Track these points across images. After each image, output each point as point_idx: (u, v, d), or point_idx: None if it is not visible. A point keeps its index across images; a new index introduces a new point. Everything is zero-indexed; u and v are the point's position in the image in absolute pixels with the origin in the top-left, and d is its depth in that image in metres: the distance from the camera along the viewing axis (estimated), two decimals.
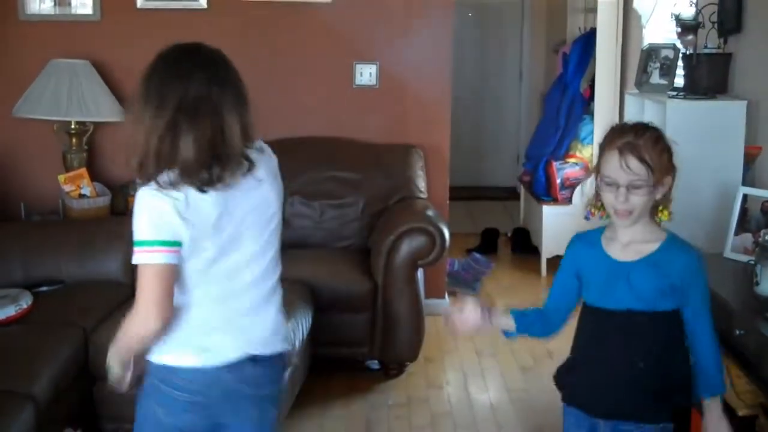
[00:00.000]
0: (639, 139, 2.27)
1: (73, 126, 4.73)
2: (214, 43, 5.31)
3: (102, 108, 4.69)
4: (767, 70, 3.67)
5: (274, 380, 2.30)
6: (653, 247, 2.32)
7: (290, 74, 5.12)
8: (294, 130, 5.06)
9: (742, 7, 3.86)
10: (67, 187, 4.60)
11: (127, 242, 4.07)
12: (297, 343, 3.66)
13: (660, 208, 2.34)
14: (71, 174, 4.65)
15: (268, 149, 2.37)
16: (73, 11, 5.00)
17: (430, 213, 4.35)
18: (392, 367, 4.38)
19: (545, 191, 6.22)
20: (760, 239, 2.85)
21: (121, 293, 3.96)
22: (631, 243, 2.34)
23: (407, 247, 4.16)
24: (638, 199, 2.26)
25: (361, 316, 4.23)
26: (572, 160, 6.22)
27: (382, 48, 5.10)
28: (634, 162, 2.24)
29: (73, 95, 4.60)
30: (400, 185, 4.81)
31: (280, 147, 5.07)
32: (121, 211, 4.74)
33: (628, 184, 2.25)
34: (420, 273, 4.33)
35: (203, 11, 5.03)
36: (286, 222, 4.61)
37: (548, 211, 6.10)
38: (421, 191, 4.81)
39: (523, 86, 8.93)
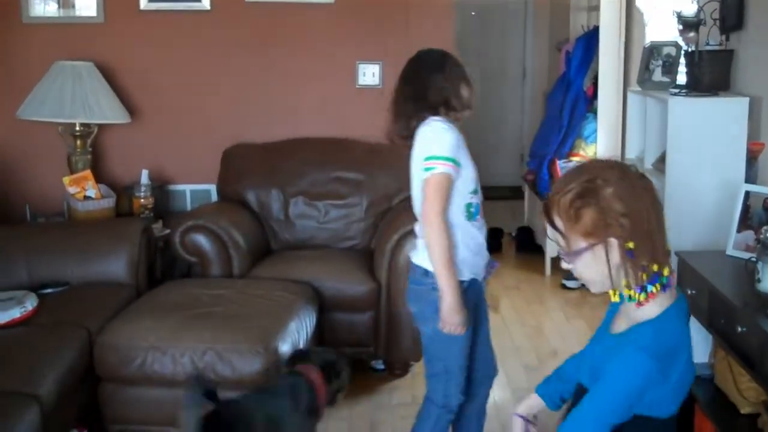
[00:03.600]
0: (555, 196, 1.86)
1: (77, 128, 4.75)
2: (217, 44, 5.39)
3: (106, 110, 4.71)
4: None
5: (410, 280, 3.05)
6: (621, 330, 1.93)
7: (293, 75, 5.14)
8: (297, 130, 5.08)
9: (744, 4, 3.85)
10: (71, 189, 4.61)
11: (131, 244, 4.13)
12: (301, 343, 3.68)
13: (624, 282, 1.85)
14: (76, 176, 4.67)
15: (425, 125, 2.94)
16: (77, 13, 5.03)
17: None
18: (397, 367, 4.38)
19: (549, 190, 6.21)
20: (761, 236, 2.84)
21: (125, 294, 3.98)
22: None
23: (411, 246, 4.16)
24: (575, 268, 1.89)
25: (365, 316, 4.24)
26: (576, 158, 6.21)
27: (385, 48, 5.11)
28: (548, 227, 1.89)
29: (77, 97, 4.61)
30: (403, 185, 4.76)
31: (283, 148, 5.16)
32: (125, 212, 4.76)
33: (558, 250, 1.91)
34: None
35: (206, 13, 5.05)
36: (290, 222, 4.64)
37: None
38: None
39: (526, 85, 8.94)
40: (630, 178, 1.85)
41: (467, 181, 2.92)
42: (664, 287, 1.85)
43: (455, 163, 2.85)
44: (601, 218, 1.79)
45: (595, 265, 1.84)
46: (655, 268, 1.82)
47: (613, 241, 1.80)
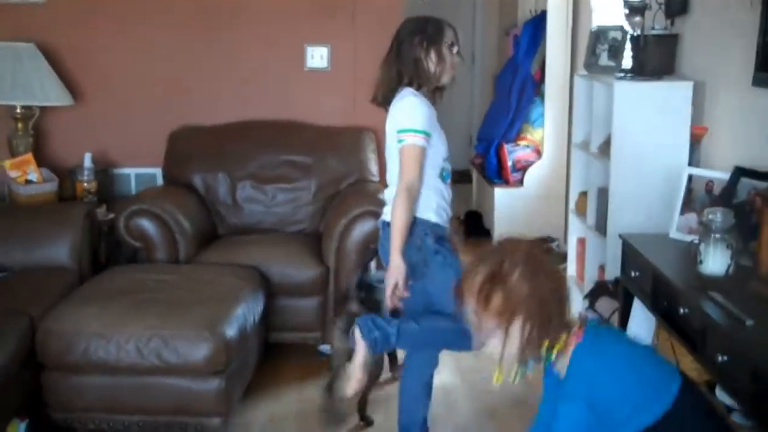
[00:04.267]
0: (467, 277, 2.02)
1: (18, 110, 4.65)
2: (162, 26, 5.29)
3: (48, 92, 4.62)
4: (713, 50, 3.72)
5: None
6: None
7: (240, 56, 5.08)
8: (245, 113, 5.03)
9: None
10: (13, 173, 4.52)
11: (74, 228, 4.05)
12: (248, 328, 3.65)
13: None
14: (17, 159, 4.57)
15: (398, 98, 3.10)
16: None
17: (382, 196, 4.35)
18: None
19: (497, 174, 6.26)
20: (703, 219, 2.88)
21: (68, 280, 3.91)
22: None
23: (359, 230, 4.16)
24: (487, 346, 2.01)
25: (313, 301, 4.22)
26: (523, 142, 6.25)
27: (333, 31, 5.08)
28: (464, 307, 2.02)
29: (17, 79, 4.52)
30: (352, 169, 4.80)
31: (231, 130, 5.10)
32: (68, 196, 4.68)
33: (470, 327, 2.03)
34: None
35: None
36: (237, 206, 4.59)
37: (500, 193, 6.14)
38: (373, 175, 4.81)
39: (475, 69, 8.95)
40: (535, 257, 2.01)
41: (439, 149, 3.11)
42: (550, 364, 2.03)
43: (426, 134, 3.02)
44: (508, 301, 1.93)
45: (503, 343, 1.97)
46: (545, 345, 1.99)
47: (519, 322, 1.94)
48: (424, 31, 3.10)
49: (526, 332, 1.94)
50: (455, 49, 3.14)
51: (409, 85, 3.10)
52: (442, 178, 3.15)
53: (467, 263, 2.02)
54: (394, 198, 3.05)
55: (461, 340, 3.14)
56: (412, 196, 3.03)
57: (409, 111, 3.04)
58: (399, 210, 3.02)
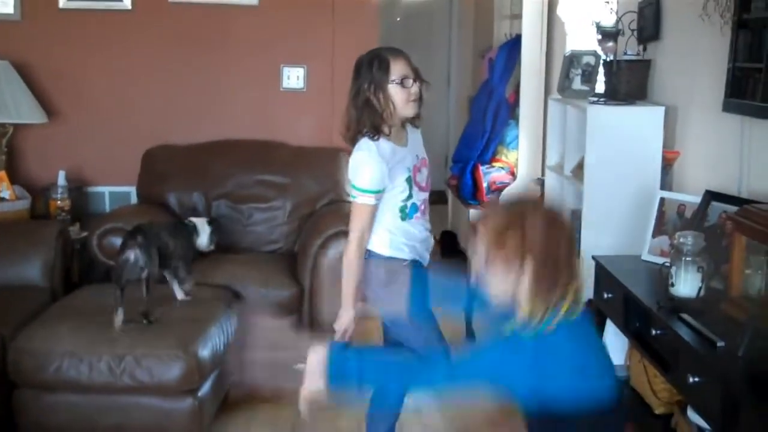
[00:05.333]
0: (485, 218, 2.03)
1: None
2: (139, 45, 5.29)
3: (22, 109, 4.61)
4: (685, 76, 3.77)
5: None
6: None
7: (217, 77, 5.09)
8: (220, 132, 5.03)
9: (661, 16, 3.95)
10: None
11: (47, 247, 4.03)
12: (222, 347, 3.64)
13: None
14: None
15: (355, 149, 3.07)
16: None
17: None
18: None
19: (472, 195, 6.28)
20: (675, 241, 2.92)
21: (41, 298, 3.89)
22: None
23: (334, 250, 4.16)
24: (490, 284, 2.00)
25: (288, 320, 4.21)
26: (498, 164, 6.29)
27: (310, 51, 5.11)
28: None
29: None
30: (327, 189, 4.81)
31: (206, 150, 5.10)
32: (41, 214, 4.66)
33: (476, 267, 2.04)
34: None
35: (127, 12, 4.97)
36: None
37: (475, 214, 6.16)
38: (348, 195, 4.82)
39: (450, 91, 9.00)
40: (553, 210, 2.03)
41: (398, 193, 3.07)
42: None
43: (375, 192, 3.01)
44: (523, 243, 1.91)
45: (513, 285, 1.94)
46: (556, 296, 1.94)
47: (531, 265, 1.92)
48: (370, 74, 3.02)
49: (537, 276, 1.92)
50: (409, 82, 3.02)
51: (369, 132, 3.02)
52: (405, 215, 3.10)
53: (487, 208, 2.01)
54: (344, 251, 3.09)
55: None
56: (361, 250, 3.05)
57: (357, 169, 3.02)
58: (348, 264, 3.06)
